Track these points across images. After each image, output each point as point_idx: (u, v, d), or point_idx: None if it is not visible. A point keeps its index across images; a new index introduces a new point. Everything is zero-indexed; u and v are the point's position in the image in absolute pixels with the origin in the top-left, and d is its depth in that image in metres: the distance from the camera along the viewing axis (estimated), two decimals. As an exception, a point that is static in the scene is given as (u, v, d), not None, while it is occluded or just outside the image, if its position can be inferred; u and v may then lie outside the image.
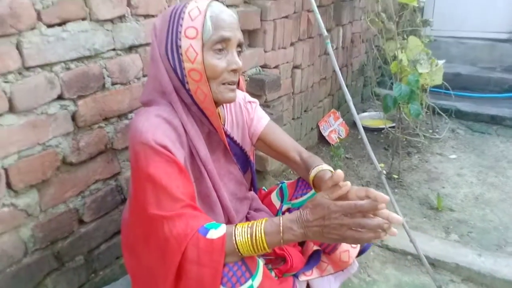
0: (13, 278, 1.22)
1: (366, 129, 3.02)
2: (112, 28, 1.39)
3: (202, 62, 1.07)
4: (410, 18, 3.02)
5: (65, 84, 1.27)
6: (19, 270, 1.24)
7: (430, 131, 3.21)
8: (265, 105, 2.30)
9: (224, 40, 1.08)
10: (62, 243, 1.36)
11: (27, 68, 1.17)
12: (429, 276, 1.77)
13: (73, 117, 1.32)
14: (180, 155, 1.09)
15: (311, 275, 1.31)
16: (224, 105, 1.30)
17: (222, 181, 1.27)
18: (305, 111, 2.83)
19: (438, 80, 2.80)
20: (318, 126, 3.04)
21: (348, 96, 1.76)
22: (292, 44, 2.46)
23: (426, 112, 3.08)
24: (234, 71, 1.11)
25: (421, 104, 2.77)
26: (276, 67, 2.35)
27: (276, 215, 1.42)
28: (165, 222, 1.00)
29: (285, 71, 2.44)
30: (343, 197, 0.97)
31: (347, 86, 3.28)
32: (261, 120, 1.37)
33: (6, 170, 1.16)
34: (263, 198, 1.49)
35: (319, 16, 1.75)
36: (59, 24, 1.23)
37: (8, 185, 1.18)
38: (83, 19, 1.30)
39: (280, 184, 1.47)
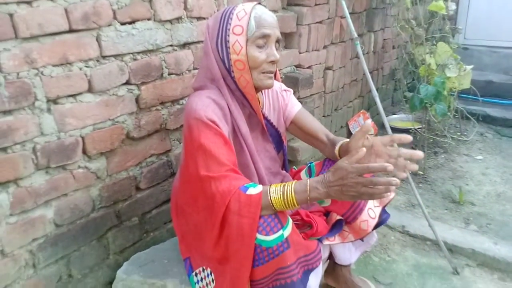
0: (82, 229, 1.50)
1: (394, 129, 3.16)
2: (171, 27, 1.66)
3: (245, 54, 1.31)
4: (440, 26, 3.15)
5: (132, 71, 1.54)
6: (87, 223, 1.52)
7: (458, 133, 3.32)
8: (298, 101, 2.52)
9: (265, 36, 1.31)
10: (122, 204, 1.63)
11: (104, 57, 1.45)
12: (446, 259, 1.92)
13: (137, 100, 1.59)
14: (225, 129, 1.32)
15: (334, 240, 1.50)
16: (263, 91, 1.53)
17: (259, 156, 1.50)
18: (335, 109, 3.02)
19: (466, 84, 2.92)
20: (347, 125, 3.21)
21: (374, 91, 1.95)
22: (325, 47, 2.67)
23: (455, 115, 3.19)
24: (272, 62, 1.34)
25: (449, 107, 2.90)
26: (309, 67, 2.57)
27: None
28: (212, 181, 1.23)
29: (318, 71, 2.64)
30: (360, 162, 1.17)
31: (377, 89, 3.48)
32: (294, 106, 1.58)
33: (83, 138, 1.44)
34: (293, 176, 1.70)
35: (350, 20, 1.96)
36: (130, 23, 1.51)
37: (84, 151, 1.45)
38: (149, 19, 1.57)
39: (309, 164, 1.68)
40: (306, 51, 2.49)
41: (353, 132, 3.20)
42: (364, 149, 1.17)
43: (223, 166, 1.24)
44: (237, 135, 1.41)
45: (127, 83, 1.54)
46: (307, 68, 2.54)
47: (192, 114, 1.30)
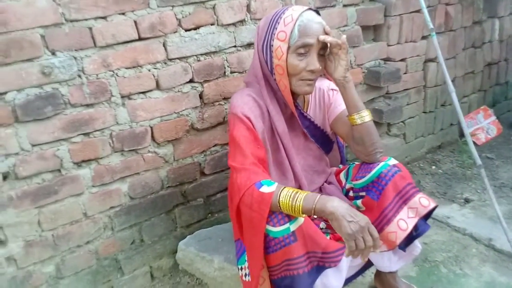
0: (151, 203, 1.81)
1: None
2: (234, 30, 1.82)
3: (285, 61, 1.37)
4: None
5: (195, 71, 1.77)
6: (156, 198, 1.81)
7: None
8: (385, 96, 2.42)
9: (306, 46, 1.35)
10: (188, 186, 1.89)
11: (170, 59, 1.71)
12: (530, 282, 1.68)
13: (200, 95, 1.81)
14: (259, 126, 1.42)
15: None
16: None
17: (300, 154, 1.57)
18: (442, 105, 2.77)
19: None
20: (460, 123, 2.91)
21: (456, 102, 1.78)
22: (424, 37, 2.49)
23: None
24: (312, 71, 1.37)
25: None
26: (402, 60, 2.44)
27: (342, 191, 1.62)
28: (234, 171, 1.37)
29: (414, 64, 2.48)
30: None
31: (506, 83, 3.03)
32: (338, 106, 1.57)
33: (151, 128, 1.73)
34: (337, 174, 1.69)
35: (425, 10, 1.84)
36: (194, 28, 1.73)
37: (153, 138, 1.74)
38: (212, 24, 1.77)
39: (349, 165, 1.66)
40: (398, 43, 2.38)
41: (466, 133, 2.88)
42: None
43: (247, 158, 1.35)
44: (274, 133, 1.49)
45: (191, 81, 1.77)
46: (399, 61, 2.42)
47: (231, 109, 1.45)
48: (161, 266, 1.91)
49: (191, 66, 1.75)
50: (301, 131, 1.56)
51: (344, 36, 1.35)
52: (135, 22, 1.60)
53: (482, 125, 2.95)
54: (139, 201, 1.78)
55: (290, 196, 1.23)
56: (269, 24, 1.40)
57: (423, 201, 1.42)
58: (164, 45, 1.68)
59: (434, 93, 2.68)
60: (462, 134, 2.94)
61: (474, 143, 2.84)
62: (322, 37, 1.33)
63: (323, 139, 1.62)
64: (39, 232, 1.59)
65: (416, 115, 2.63)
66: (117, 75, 1.61)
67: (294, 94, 1.45)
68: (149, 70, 1.67)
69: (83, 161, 1.62)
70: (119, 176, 1.70)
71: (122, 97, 1.64)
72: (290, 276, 1.30)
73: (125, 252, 1.80)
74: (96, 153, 1.63)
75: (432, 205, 1.42)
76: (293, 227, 1.27)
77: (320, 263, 1.34)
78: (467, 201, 2.26)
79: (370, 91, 2.35)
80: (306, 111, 1.57)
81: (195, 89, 1.79)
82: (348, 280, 1.56)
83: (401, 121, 2.54)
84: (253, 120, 1.40)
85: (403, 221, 1.41)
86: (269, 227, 1.27)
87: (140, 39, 1.62)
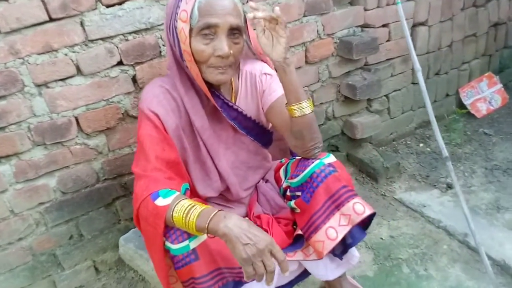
0: (86, 197, 1.68)
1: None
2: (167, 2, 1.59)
3: (189, 45, 1.16)
4: None
5: (123, 52, 1.57)
6: (91, 192, 1.69)
7: None
8: (364, 68, 2.16)
9: (211, 27, 1.12)
10: (128, 177, 1.75)
11: (91, 41, 1.51)
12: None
13: (134, 79, 1.63)
14: (171, 123, 1.24)
15: (294, 256, 1.31)
16: (240, 76, 1.36)
17: (229, 149, 1.38)
18: (436, 74, 2.47)
19: None
20: (458, 93, 2.60)
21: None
22: (411, -2, 2.16)
23: None
24: (220, 57, 1.15)
25: None
26: (385, 25, 2.14)
27: (280, 190, 1.44)
28: (135, 178, 1.21)
29: (398, 30, 2.17)
30: None
31: None
32: (272, 93, 1.35)
33: (76, 118, 1.57)
34: (277, 170, 1.50)
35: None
36: (118, 3, 1.52)
37: (80, 129, 1.59)
38: (139, -4, 1.54)
39: (290, 160, 1.46)
40: (378, 7, 2.07)
41: (465, 102, 2.58)
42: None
43: (149, 163, 1.19)
44: (193, 129, 1.31)
45: (120, 64, 1.58)
46: (380, 27, 2.12)
47: (140, 103, 1.27)
48: (106, 260, 1.82)
49: (117, 47, 1.55)
50: (229, 124, 1.36)
51: (277, 8, 1.07)
52: (42, 1, 1.40)
53: (484, 95, 2.63)
54: (71, 196, 1.66)
55: (184, 211, 1.05)
56: (175, 1, 1.18)
57: (357, 208, 1.22)
58: (81, 25, 1.48)
59: (425, 61, 2.37)
60: (461, 105, 2.64)
61: (473, 115, 2.56)
62: (251, 15, 1.08)
63: (257, 131, 1.41)
64: (-40, 233, 1.51)
65: (403, 87, 2.35)
66: (28, 63, 1.44)
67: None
68: (66, 55, 1.49)
69: (1, 157, 1.49)
70: (44, 171, 1.58)
71: (37, 86, 1.47)
72: None
73: (63, 248, 1.71)
74: (15, 148, 1.50)
75: (368, 212, 1.22)
76: (193, 244, 1.11)
77: (236, 278, 1.19)
78: (449, 186, 2.03)
79: (344, 64, 2.08)
80: (235, 100, 1.36)
81: (126, 73, 1.61)
82: None
83: (384, 95, 2.28)
84: (163, 116, 1.22)
85: (333, 230, 1.22)
86: (168, 244, 1.12)
87: (51, 19, 1.43)
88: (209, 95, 1.24)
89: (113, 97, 1.61)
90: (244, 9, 1.23)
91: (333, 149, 2.24)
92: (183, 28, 1.14)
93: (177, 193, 1.13)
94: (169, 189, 1.13)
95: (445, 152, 1.48)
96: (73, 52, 1.49)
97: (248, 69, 1.37)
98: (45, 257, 1.69)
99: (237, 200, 1.43)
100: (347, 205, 1.22)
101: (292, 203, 1.33)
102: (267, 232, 1.28)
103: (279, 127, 1.35)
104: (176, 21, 1.15)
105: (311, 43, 1.95)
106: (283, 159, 1.53)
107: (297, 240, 1.33)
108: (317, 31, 1.95)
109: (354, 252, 1.36)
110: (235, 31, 1.16)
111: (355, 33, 2.06)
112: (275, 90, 1.35)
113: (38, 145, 1.54)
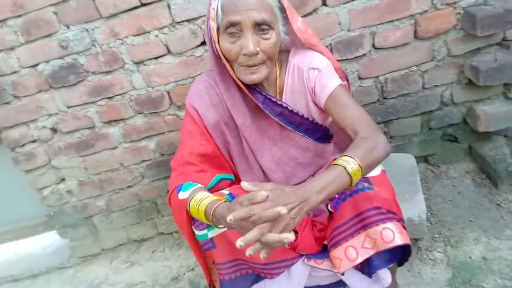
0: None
1: None
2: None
3: (218, 44, 1.15)
4: None
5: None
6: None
7: None
8: (502, 45, 1.71)
9: (234, 25, 1.08)
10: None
11: (177, 23, 1.63)
12: None
13: (217, 58, 1.70)
14: (211, 118, 1.27)
15: (321, 264, 1.25)
16: (287, 69, 1.29)
17: (276, 145, 1.35)
18: None
19: None
20: None
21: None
22: None
23: None
24: (247, 55, 1.10)
25: None
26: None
27: None
28: (171, 171, 1.32)
29: None
30: None
31: None
32: (324, 89, 1.23)
33: (168, 92, 1.76)
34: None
35: None
36: (200, -14, 1.58)
37: (171, 102, 1.78)
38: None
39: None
40: (532, -36, 1.56)
41: None
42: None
43: (183, 157, 1.27)
44: (236, 124, 1.31)
45: (204, 43, 1.67)
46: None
47: (187, 97, 1.34)
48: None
49: (200, 28, 1.64)
50: (275, 120, 1.31)
51: (263, 193, 0.95)
52: (134, -12, 1.57)
53: None
54: (167, 158, 1.91)
55: (197, 203, 1.12)
56: None
57: (386, 234, 1.08)
58: (168, 8, 1.60)
59: None
60: None
61: None
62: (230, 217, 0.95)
63: (307, 127, 1.33)
64: (87, 175, 1.94)
65: None
66: (126, 43, 1.66)
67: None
68: (156, 36, 1.65)
69: (111, 121, 1.82)
70: (144, 135, 1.85)
71: (136, 63, 1.70)
72: (220, 279, 1.26)
73: (162, 198, 2.01)
74: (120, 114, 1.80)
75: (398, 242, 1.07)
76: (210, 234, 1.19)
77: (257, 272, 1.24)
78: None
79: (471, 40, 1.68)
80: (281, 95, 1.30)
81: (209, 52, 1.69)
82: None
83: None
84: (202, 111, 1.27)
85: (354, 250, 1.13)
86: (194, 229, 1.22)
87: (142, 4, 1.60)
88: (247, 92, 1.23)
89: (199, 74, 1.72)
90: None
91: (451, 139, 1.91)
92: (213, 27, 1.13)
93: (197, 186, 1.20)
94: (191, 182, 1.21)
95: None
96: (163, 34, 1.65)
97: (296, 62, 1.27)
98: (148, 203, 2.03)
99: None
100: (374, 228, 1.09)
101: (329, 205, 1.25)
102: (296, 233, 1.26)
103: (338, 123, 1.24)
104: (209, 20, 1.15)
105: (423, 15, 1.64)
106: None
107: (326, 249, 1.26)
108: (432, 0, 1.61)
109: (384, 275, 1.22)
110: (263, 26, 1.10)
111: (486, 1, 1.62)
112: (326, 85, 1.23)
113: (139, 113, 1.81)
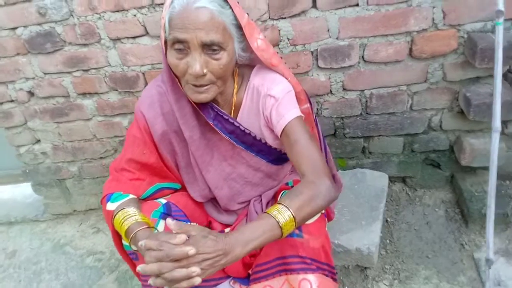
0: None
1: None
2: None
3: (165, 57, 1.07)
4: None
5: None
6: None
7: None
8: (507, 77, 1.55)
9: (181, 42, 0.99)
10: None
11: (157, 5, 1.54)
12: None
13: (196, 46, 1.62)
14: (159, 127, 1.20)
15: None
16: (246, 88, 1.20)
17: (226, 161, 1.28)
18: None
19: None
20: None
21: None
22: None
23: None
24: (193, 75, 1.02)
25: None
26: None
27: None
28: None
29: None
30: None
31: None
32: (280, 121, 1.13)
33: (143, 73, 1.70)
34: (279, 192, 1.31)
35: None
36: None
37: (146, 83, 1.73)
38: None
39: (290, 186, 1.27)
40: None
41: None
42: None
43: (121, 163, 1.23)
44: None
45: (182, 30, 1.58)
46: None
47: (138, 99, 1.27)
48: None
49: (180, 14, 1.54)
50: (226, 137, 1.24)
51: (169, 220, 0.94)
52: (113, -38, 1.48)
53: None
54: (140, 137, 1.88)
55: (120, 220, 1.08)
56: (164, 5, 1.05)
57: (303, 285, 1.04)
58: (148, -11, 1.51)
59: None
60: None
61: None
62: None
63: (260, 148, 1.25)
64: (61, 141, 1.95)
65: None
66: (104, 18, 1.60)
67: None
68: (134, 15, 1.58)
69: (85, 93, 1.79)
70: (118, 111, 1.82)
71: (112, 40, 1.64)
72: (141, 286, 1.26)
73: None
74: (95, 88, 1.77)
75: None
76: (133, 246, 1.17)
77: None
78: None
79: (471, 67, 1.53)
80: (236, 114, 1.22)
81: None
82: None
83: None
84: (150, 120, 1.20)
85: (269, 289, 1.09)
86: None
87: (122, -19, 1.51)
88: (196, 107, 1.16)
89: (175, 60, 1.65)
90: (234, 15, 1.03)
91: (433, 164, 1.80)
92: (162, 37, 1.05)
93: (127, 198, 1.16)
94: (122, 193, 1.17)
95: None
96: (141, 14, 1.57)
97: (256, 83, 1.18)
98: (120, 176, 2.03)
99: (226, 210, 1.38)
100: (295, 276, 1.05)
101: None
102: None
103: (289, 158, 1.15)
104: (161, 28, 1.07)
105: (420, 34, 1.49)
106: (292, 181, 1.34)
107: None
108: (433, 19, 1.46)
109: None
110: (213, 47, 1.01)
111: (493, 29, 1.45)
112: (282, 116, 1.12)
113: (114, 90, 1.77)
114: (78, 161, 2.01)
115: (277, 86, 1.15)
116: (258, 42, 1.10)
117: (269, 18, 1.52)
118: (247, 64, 1.22)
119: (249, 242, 0.92)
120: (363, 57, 1.57)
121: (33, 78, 1.77)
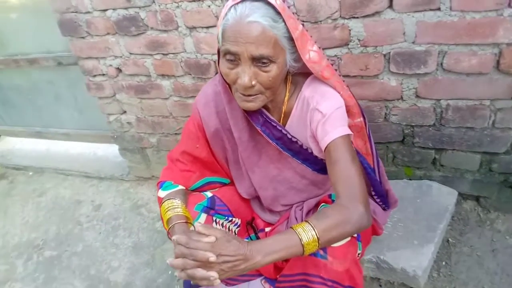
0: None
1: None
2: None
3: (218, 64, 1.10)
4: None
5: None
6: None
7: None
8: None
9: (231, 53, 1.01)
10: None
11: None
12: None
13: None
14: (212, 125, 1.26)
15: None
16: (298, 97, 1.19)
17: (273, 164, 1.30)
18: None
19: None
20: None
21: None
22: None
23: None
24: (242, 86, 1.04)
25: None
26: None
27: None
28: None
29: None
30: None
31: None
32: (325, 137, 1.11)
33: (215, 62, 1.76)
34: (320, 203, 1.29)
35: None
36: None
37: (217, 71, 1.77)
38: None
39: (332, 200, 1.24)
40: None
41: None
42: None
43: (176, 153, 1.32)
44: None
45: (253, 23, 1.58)
46: None
47: (197, 95, 1.33)
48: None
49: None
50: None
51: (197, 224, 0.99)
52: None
53: None
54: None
55: (165, 209, 1.20)
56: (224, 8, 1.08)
57: None
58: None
59: None
60: None
61: None
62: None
63: (306, 157, 1.25)
64: (143, 114, 2.14)
65: None
66: (181, 7, 1.66)
67: None
68: (209, 6, 1.61)
69: (164, 74, 1.91)
70: (191, 94, 1.92)
71: (188, 28, 1.71)
72: None
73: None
74: (172, 71, 1.88)
75: None
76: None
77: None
78: None
79: None
80: (285, 122, 1.22)
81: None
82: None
83: None
84: (205, 118, 1.26)
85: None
86: None
87: (197, -26, 1.55)
88: (244, 113, 1.19)
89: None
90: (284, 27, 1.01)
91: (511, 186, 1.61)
92: (217, 45, 1.09)
93: (177, 188, 1.26)
94: (173, 182, 1.28)
95: None
96: (215, 5, 1.60)
97: (307, 94, 1.16)
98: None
99: (270, 210, 1.41)
100: None
101: None
102: None
103: (329, 176, 1.13)
104: (216, 37, 1.09)
105: (510, 47, 1.30)
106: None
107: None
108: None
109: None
110: (263, 60, 1.01)
111: None
112: (327, 133, 1.10)
113: (188, 74, 1.86)
114: (156, 134, 2.18)
115: (326, 101, 1.12)
116: (311, 54, 1.08)
117: (340, 17, 1.45)
118: (303, 72, 1.20)
119: (270, 253, 0.95)
120: (441, 64, 1.42)
121: (121, 56, 1.93)
